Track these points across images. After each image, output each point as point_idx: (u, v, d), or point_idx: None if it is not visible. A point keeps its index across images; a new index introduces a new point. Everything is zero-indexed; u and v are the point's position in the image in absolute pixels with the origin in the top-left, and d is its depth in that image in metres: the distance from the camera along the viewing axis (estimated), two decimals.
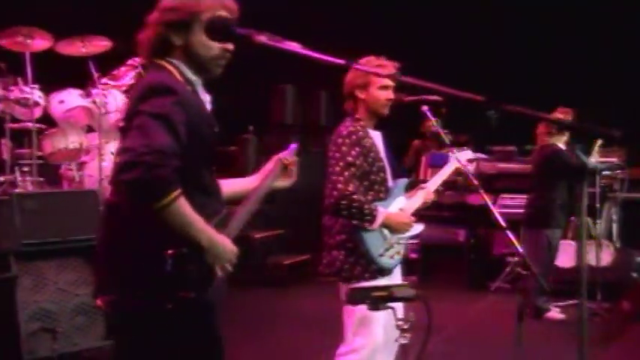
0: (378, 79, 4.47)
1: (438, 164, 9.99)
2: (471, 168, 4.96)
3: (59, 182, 8.22)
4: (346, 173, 4.28)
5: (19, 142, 7.84)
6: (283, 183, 3.57)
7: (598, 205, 8.86)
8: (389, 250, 4.38)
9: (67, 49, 8.17)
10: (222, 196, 3.14)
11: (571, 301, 8.53)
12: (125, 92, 8.38)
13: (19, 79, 7.60)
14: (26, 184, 7.54)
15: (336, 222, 4.42)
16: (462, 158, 4.83)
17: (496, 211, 4.65)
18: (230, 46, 2.96)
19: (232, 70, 10.03)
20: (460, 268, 9.89)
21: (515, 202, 9.51)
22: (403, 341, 4.14)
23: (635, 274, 9.10)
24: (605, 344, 6.54)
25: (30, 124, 7.66)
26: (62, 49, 8.14)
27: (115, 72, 8.50)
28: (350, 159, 4.30)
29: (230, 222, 3.10)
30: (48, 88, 7.92)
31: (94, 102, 7.93)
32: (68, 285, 6.03)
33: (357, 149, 4.34)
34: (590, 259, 8.65)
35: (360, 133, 4.38)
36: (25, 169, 7.68)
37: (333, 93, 11.49)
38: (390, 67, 4.45)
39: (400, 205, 4.53)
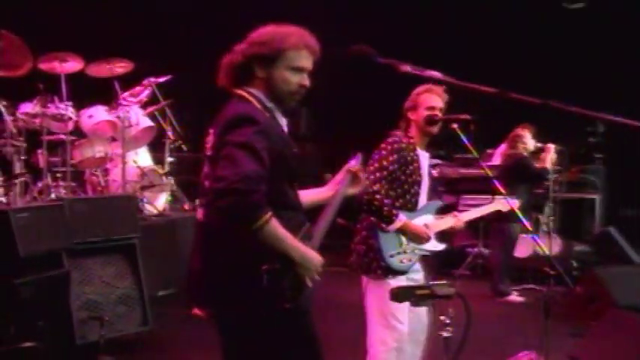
0: (426, 100, 4.43)
1: None
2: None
3: (84, 187, 8.26)
4: (377, 174, 4.29)
5: (52, 152, 7.83)
6: (353, 190, 3.52)
7: (552, 204, 9.08)
8: (400, 255, 4.34)
9: (96, 70, 8.27)
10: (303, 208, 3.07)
11: (527, 286, 8.75)
12: (142, 107, 8.49)
13: (55, 98, 7.63)
14: (59, 188, 7.58)
15: (365, 220, 4.42)
16: (510, 203, 4.74)
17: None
18: (306, 82, 2.92)
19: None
20: (428, 257, 9.97)
21: (476, 202, 9.62)
22: (446, 334, 4.21)
23: (573, 261, 9.34)
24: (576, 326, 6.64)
25: (64, 137, 7.72)
26: (91, 70, 8.24)
27: (133, 90, 8.56)
28: (385, 163, 4.30)
29: (313, 233, 3.05)
30: (79, 104, 7.96)
31: (118, 117, 8.02)
32: (111, 279, 6.04)
33: (395, 157, 4.31)
34: (544, 249, 8.85)
35: (403, 145, 4.36)
36: (58, 175, 7.74)
37: (312, 109, 11.65)
38: (438, 90, 4.46)
39: (426, 221, 4.48)
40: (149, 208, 8.12)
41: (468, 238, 9.91)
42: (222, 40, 10.34)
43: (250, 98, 2.88)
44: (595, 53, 10.99)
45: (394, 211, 4.25)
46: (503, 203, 4.78)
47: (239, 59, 2.91)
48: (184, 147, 8.96)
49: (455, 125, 4.50)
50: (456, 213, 4.69)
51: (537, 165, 8.35)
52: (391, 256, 4.29)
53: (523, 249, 8.93)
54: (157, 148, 8.97)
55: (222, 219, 2.64)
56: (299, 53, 2.86)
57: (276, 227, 2.65)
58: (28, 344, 5.03)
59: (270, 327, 2.75)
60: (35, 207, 5.51)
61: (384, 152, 4.34)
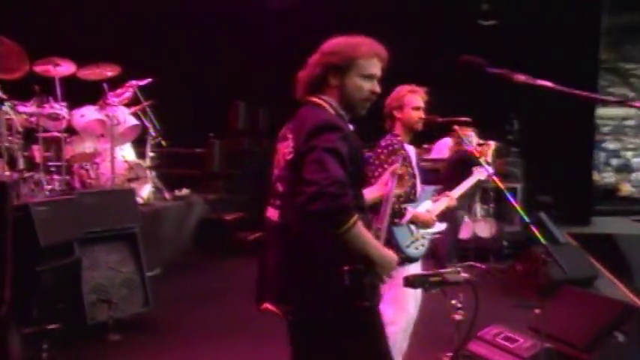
0: (411, 101, 4.35)
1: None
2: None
3: (72, 179, 8.09)
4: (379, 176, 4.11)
5: (45, 147, 7.63)
6: (400, 190, 3.48)
7: (492, 193, 9.23)
8: (415, 243, 4.28)
9: (86, 74, 8.10)
10: None
11: (469, 263, 8.88)
12: (126, 106, 8.37)
13: (50, 98, 7.46)
14: (54, 181, 7.42)
15: (373, 217, 4.35)
16: (483, 174, 4.78)
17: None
18: (377, 89, 2.80)
19: (199, 89, 9.94)
20: None
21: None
22: (458, 318, 4.24)
23: (504, 241, 9.54)
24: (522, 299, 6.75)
25: (59, 134, 7.56)
26: (82, 74, 8.07)
27: (118, 91, 8.41)
28: (387, 166, 4.14)
29: (379, 232, 2.94)
30: (71, 104, 7.79)
31: (107, 116, 7.88)
32: (115, 264, 5.94)
33: (393, 158, 4.17)
34: (484, 231, 9.05)
35: (396, 145, 4.26)
36: (52, 169, 7.58)
37: (270, 107, 11.60)
38: (420, 92, 4.42)
39: (427, 207, 4.43)
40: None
41: None
42: (198, 48, 10.33)
43: (325, 105, 2.74)
44: (506, 66, 11.20)
45: (402, 206, 4.19)
46: (481, 173, 4.80)
47: (317, 69, 2.78)
48: (163, 143, 8.84)
49: (456, 127, 4.47)
50: (447, 193, 4.62)
51: (478, 160, 8.45)
52: (407, 246, 4.23)
53: (465, 232, 9.04)
54: (138, 144, 8.83)
55: (312, 222, 2.48)
56: (370, 61, 2.75)
57: (360, 229, 2.52)
58: (52, 326, 4.91)
59: (349, 324, 2.63)
60: (52, 200, 5.34)
61: (382, 156, 4.23)
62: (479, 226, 9.04)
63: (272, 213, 2.77)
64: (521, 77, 2.06)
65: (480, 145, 8.58)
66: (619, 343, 5.07)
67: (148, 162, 8.58)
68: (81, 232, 5.58)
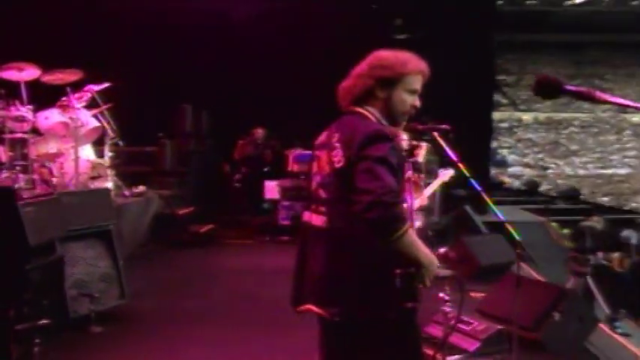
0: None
1: (304, 161, 10.14)
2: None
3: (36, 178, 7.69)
4: None
5: (11, 148, 7.24)
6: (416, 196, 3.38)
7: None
8: None
9: (50, 78, 7.73)
10: None
11: None
12: (85, 107, 8.04)
13: (17, 102, 7.08)
14: (20, 181, 7.04)
15: None
16: (447, 175, 4.74)
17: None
18: (418, 103, 2.70)
19: (149, 93, 9.75)
20: None
21: None
22: (447, 309, 4.18)
23: (429, 231, 9.64)
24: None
25: (24, 135, 7.23)
26: (46, 78, 7.69)
27: (77, 95, 8.05)
28: None
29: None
30: (36, 107, 7.43)
31: (71, 118, 7.56)
32: (93, 260, 5.67)
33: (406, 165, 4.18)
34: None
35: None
36: (18, 168, 7.19)
37: (212, 111, 11.43)
38: None
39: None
40: None
41: None
42: (148, 56, 10.12)
43: (370, 116, 2.63)
44: None
45: None
46: (446, 175, 4.80)
47: (364, 81, 2.65)
48: (121, 143, 8.53)
49: (435, 133, 4.43)
50: (418, 194, 4.58)
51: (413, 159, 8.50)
52: None
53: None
54: (96, 143, 8.50)
55: (369, 230, 2.40)
56: (416, 77, 2.66)
57: (412, 235, 2.44)
58: (43, 322, 4.63)
59: (397, 324, 2.54)
60: (37, 201, 5.02)
61: None
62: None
63: (315, 219, 2.64)
64: (601, 95, 1.96)
65: (412, 147, 8.66)
66: (557, 321, 5.23)
67: (107, 161, 8.26)
68: (64, 231, 5.31)
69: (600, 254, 10.05)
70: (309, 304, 2.63)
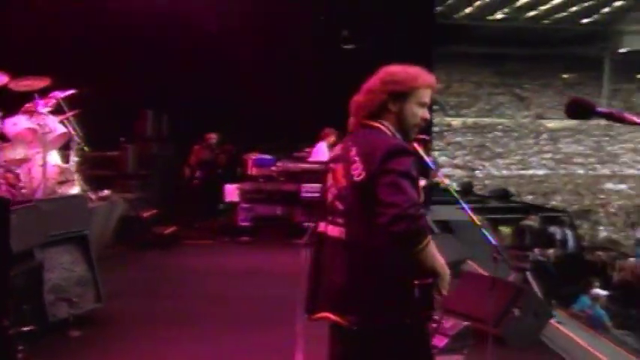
0: None
1: (263, 165, 10.06)
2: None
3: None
4: None
5: None
6: None
7: None
8: None
9: (19, 85, 7.39)
10: None
11: None
12: (51, 113, 7.75)
13: None
14: None
15: None
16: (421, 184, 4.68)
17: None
18: (427, 116, 2.66)
19: (110, 99, 9.48)
20: (279, 231, 9.91)
21: (313, 189, 9.69)
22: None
23: None
24: None
25: None
26: (14, 85, 7.35)
27: (44, 101, 7.76)
28: None
29: None
30: (3, 114, 7.10)
31: (39, 124, 7.24)
32: (69, 264, 5.47)
33: None
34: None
35: None
36: None
37: (172, 115, 11.21)
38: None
39: None
40: None
41: (304, 216, 9.91)
42: (110, 63, 9.89)
43: (385, 130, 2.58)
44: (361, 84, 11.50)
45: None
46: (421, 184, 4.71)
47: (377, 96, 2.59)
48: (86, 148, 8.24)
49: (415, 144, 4.41)
50: None
51: None
52: None
53: None
54: (61, 149, 8.19)
55: (394, 242, 2.33)
56: (426, 91, 2.62)
57: (432, 247, 2.38)
58: (28, 328, 4.43)
59: (413, 331, 2.50)
60: (18, 208, 4.79)
61: None
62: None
63: (331, 230, 2.57)
64: (631, 117, 1.94)
65: None
66: (516, 316, 5.33)
67: (73, 166, 7.97)
68: (45, 237, 5.10)
69: (537, 250, 10.39)
70: (326, 312, 2.57)
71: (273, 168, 10.09)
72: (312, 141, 10.74)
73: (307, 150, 10.83)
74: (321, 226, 2.65)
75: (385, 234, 2.32)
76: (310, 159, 10.44)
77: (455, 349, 4.77)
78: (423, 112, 2.64)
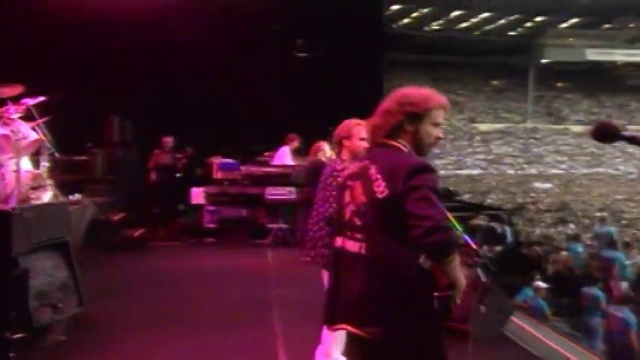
0: (359, 132, 4.15)
1: (228, 169, 9.93)
2: None
3: None
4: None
5: None
6: None
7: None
8: None
9: None
10: None
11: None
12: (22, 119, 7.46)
13: None
14: None
15: (323, 228, 4.16)
16: None
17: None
18: (441, 135, 2.63)
19: (77, 105, 9.19)
20: (243, 232, 9.82)
21: (277, 192, 9.66)
22: None
23: None
24: None
25: None
26: None
27: (15, 108, 7.46)
28: None
29: None
30: None
31: (12, 131, 6.95)
32: (52, 270, 5.23)
33: None
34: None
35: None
36: None
37: (136, 122, 10.96)
38: (364, 125, 4.32)
39: None
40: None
41: (267, 218, 9.85)
42: (75, 70, 9.60)
43: (403, 148, 2.54)
44: (319, 88, 11.48)
45: None
46: None
47: (394, 117, 2.56)
48: (57, 154, 7.98)
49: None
50: None
51: None
52: None
53: None
54: (33, 154, 7.90)
55: (426, 252, 2.33)
56: (439, 112, 2.59)
57: (458, 260, 2.39)
58: (20, 335, 4.25)
59: (432, 340, 2.48)
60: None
61: (339, 179, 3.79)
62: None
63: (350, 245, 2.52)
64: None
65: (333, 156, 8.66)
66: (482, 313, 5.39)
67: (45, 171, 7.70)
68: (30, 245, 4.88)
69: (485, 247, 10.56)
70: (345, 324, 2.52)
71: (238, 172, 9.99)
72: (273, 145, 10.71)
73: (267, 154, 10.77)
74: (339, 242, 2.60)
75: (418, 246, 2.31)
76: (273, 163, 10.39)
77: None
78: (437, 132, 2.62)
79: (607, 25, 45.26)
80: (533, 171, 37.82)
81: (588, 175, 35.48)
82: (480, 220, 11.77)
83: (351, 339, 2.60)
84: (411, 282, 2.39)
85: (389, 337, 2.42)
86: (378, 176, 2.44)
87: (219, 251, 9.07)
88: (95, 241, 8.34)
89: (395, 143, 2.55)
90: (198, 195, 9.71)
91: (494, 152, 40.41)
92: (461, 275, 2.42)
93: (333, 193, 3.96)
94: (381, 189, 2.42)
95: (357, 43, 12.45)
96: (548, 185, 28.81)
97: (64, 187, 8.25)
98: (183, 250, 9.12)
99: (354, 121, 4.30)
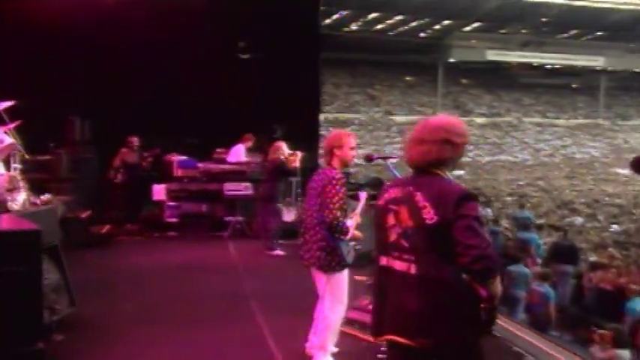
0: (349, 142, 4.18)
1: (187, 167, 9.76)
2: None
3: None
4: (337, 204, 4.01)
5: None
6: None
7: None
8: (350, 253, 4.18)
9: None
10: None
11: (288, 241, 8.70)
12: None
13: None
14: None
15: (319, 232, 4.11)
16: (364, 196, 4.63)
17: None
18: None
19: (40, 106, 8.82)
20: (203, 226, 9.70)
21: (234, 188, 9.59)
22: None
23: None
24: None
25: None
26: None
27: None
28: (340, 195, 4.03)
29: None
30: None
31: None
32: (45, 274, 5.03)
33: (344, 189, 4.07)
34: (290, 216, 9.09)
35: (344, 179, 4.11)
36: None
37: (94, 122, 10.56)
38: (354, 135, 4.32)
39: (350, 223, 4.20)
40: (13, 206, 6.82)
41: (225, 212, 9.77)
42: (34, 71, 9.17)
43: (445, 176, 2.57)
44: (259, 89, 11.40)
45: (346, 226, 4.10)
46: (364, 198, 4.63)
47: (442, 146, 2.57)
48: (27, 156, 7.62)
49: (387, 160, 4.31)
50: (353, 214, 4.32)
51: (291, 165, 8.54)
52: (346, 255, 4.13)
53: (288, 216, 9.01)
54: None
55: (473, 277, 2.39)
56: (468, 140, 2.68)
57: (499, 277, 2.45)
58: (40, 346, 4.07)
59: (477, 347, 2.55)
60: None
61: (337, 186, 4.03)
62: (287, 213, 9.07)
63: (398, 265, 2.54)
64: None
65: (290, 155, 8.69)
66: None
67: (18, 173, 7.35)
68: None
69: None
70: (393, 335, 2.55)
71: (196, 169, 9.84)
72: (223, 143, 10.60)
73: (219, 150, 10.64)
74: (383, 261, 2.62)
75: (466, 271, 2.39)
76: (229, 160, 10.30)
77: None
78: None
79: (503, 30, 47.20)
80: None
81: (492, 162, 36.87)
82: None
83: (398, 349, 2.58)
84: (459, 296, 2.46)
85: (440, 346, 2.47)
86: (426, 203, 2.47)
87: (184, 244, 8.94)
88: (65, 239, 8.01)
89: (438, 171, 2.58)
90: (159, 192, 9.52)
91: None
92: (499, 290, 2.49)
93: (334, 199, 4.01)
94: (430, 215, 2.46)
95: (296, 43, 12.43)
96: (461, 172, 29.77)
97: (33, 187, 7.91)
98: (149, 245, 8.93)
99: (343, 132, 4.37)
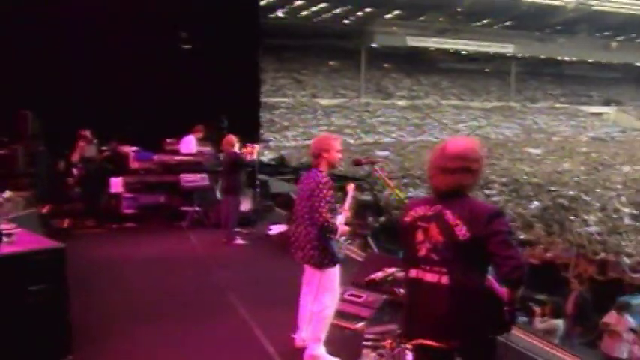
0: (337, 145, 4.28)
1: (143, 159, 9.62)
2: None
3: None
4: (327, 206, 4.13)
5: None
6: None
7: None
8: (341, 250, 4.33)
9: None
10: None
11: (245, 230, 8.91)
12: None
13: None
14: None
15: (311, 232, 4.23)
16: (352, 188, 4.74)
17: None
18: None
19: None
20: (161, 216, 9.59)
21: (191, 179, 9.54)
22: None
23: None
24: None
25: None
26: None
27: None
28: (329, 197, 4.15)
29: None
30: None
31: None
32: None
33: (332, 192, 4.18)
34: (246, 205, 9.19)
35: (331, 182, 4.20)
36: None
37: (48, 115, 10.15)
38: (340, 139, 4.43)
39: (340, 221, 4.32)
40: None
41: (183, 203, 9.72)
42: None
43: (471, 197, 2.75)
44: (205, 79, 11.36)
45: (336, 226, 4.23)
46: (352, 188, 4.77)
47: (464, 175, 2.73)
48: None
49: (374, 165, 4.50)
50: (342, 210, 4.43)
51: (247, 158, 8.64)
52: (338, 252, 4.28)
53: (244, 206, 9.10)
54: None
55: (508, 284, 2.62)
56: None
57: None
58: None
59: (497, 343, 2.78)
60: None
61: (325, 190, 4.15)
62: (244, 202, 9.15)
63: (429, 276, 2.72)
64: None
65: (245, 148, 8.79)
66: None
67: None
68: None
69: (370, 219, 11.22)
70: (423, 338, 2.73)
71: (152, 161, 9.71)
72: (172, 133, 10.50)
73: (169, 141, 10.54)
74: (413, 273, 2.77)
75: (504, 280, 2.62)
76: (181, 151, 10.22)
77: (379, 318, 4.69)
78: None
79: (422, 18, 48.45)
80: (370, 140, 39.67)
81: (415, 143, 37.91)
82: (365, 196, 12.49)
83: (425, 351, 2.75)
84: (483, 300, 2.68)
85: (465, 345, 2.69)
86: (458, 221, 2.65)
87: (145, 236, 8.80)
88: None
89: (467, 192, 2.78)
90: (117, 184, 9.34)
91: (336, 124, 41.77)
92: (520, 293, 2.71)
93: (322, 204, 4.12)
94: (462, 232, 2.63)
95: (235, 33, 12.38)
96: (386, 152, 30.41)
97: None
98: (109, 237, 8.74)
99: (331, 136, 4.48)
